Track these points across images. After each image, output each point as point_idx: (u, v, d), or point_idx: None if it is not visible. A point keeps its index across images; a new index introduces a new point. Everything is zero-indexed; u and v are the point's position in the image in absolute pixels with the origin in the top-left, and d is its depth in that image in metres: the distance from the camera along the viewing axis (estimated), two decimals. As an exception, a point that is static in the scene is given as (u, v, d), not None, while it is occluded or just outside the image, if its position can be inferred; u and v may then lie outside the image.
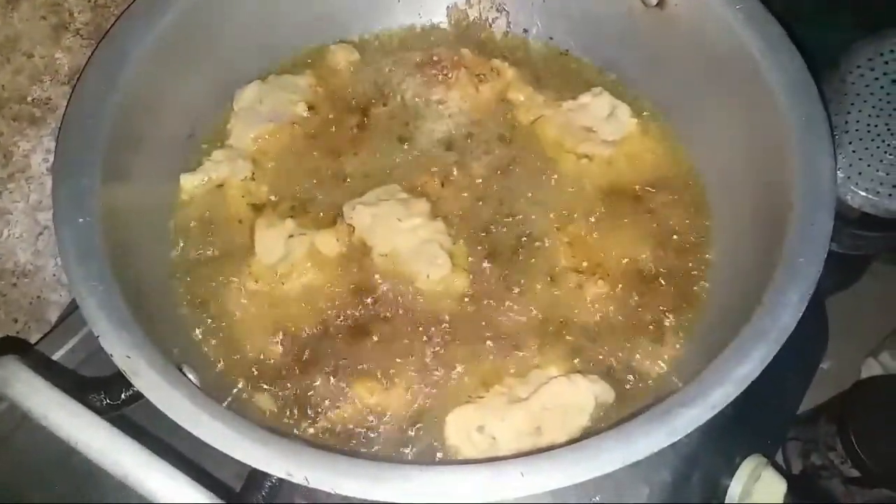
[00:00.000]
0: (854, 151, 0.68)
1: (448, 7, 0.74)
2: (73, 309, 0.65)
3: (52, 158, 0.62)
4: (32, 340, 0.67)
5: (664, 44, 0.66)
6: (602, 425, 0.52)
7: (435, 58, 0.70)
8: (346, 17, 0.72)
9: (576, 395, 0.51)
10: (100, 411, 0.45)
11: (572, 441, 0.46)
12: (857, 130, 0.68)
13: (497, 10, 0.73)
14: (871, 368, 0.87)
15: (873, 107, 0.68)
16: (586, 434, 0.52)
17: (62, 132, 0.55)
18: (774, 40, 0.58)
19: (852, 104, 0.68)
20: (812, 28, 0.64)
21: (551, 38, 0.73)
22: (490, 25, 0.74)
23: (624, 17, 0.67)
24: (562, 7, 0.71)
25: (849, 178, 0.67)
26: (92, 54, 0.58)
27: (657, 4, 0.64)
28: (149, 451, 0.42)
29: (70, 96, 0.57)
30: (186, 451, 0.48)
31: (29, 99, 0.60)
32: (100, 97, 0.56)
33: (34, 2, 0.57)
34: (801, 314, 0.48)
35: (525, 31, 0.73)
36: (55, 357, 0.61)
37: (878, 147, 0.67)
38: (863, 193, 0.67)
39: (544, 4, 0.71)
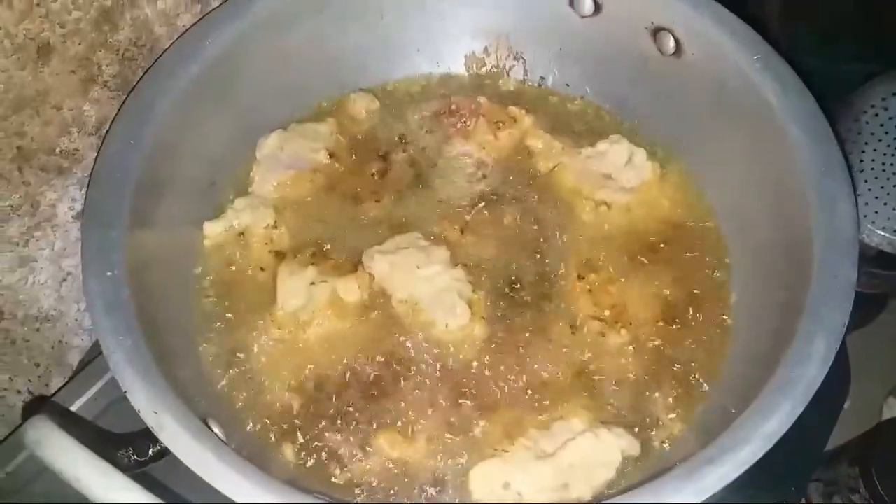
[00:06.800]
0: (870, 190, 0.67)
1: (466, 56, 0.75)
2: (94, 355, 0.66)
3: (77, 207, 0.63)
4: (53, 385, 0.67)
5: (680, 90, 0.66)
6: (627, 478, 0.52)
7: (453, 106, 0.71)
8: (366, 67, 0.73)
9: (603, 451, 0.51)
10: (127, 468, 0.45)
11: (598, 496, 0.46)
12: (872, 169, 0.68)
13: (514, 58, 0.74)
14: (892, 408, 0.85)
15: (888, 146, 0.68)
16: (611, 487, 0.52)
17: (91, 186, 0.56)
18: (790, 86, 0.59)
19: (867, 143, 0.68)
20: (816, 60, 0.65)
21: (567, 85, 0.73)
22: (507, 73, 0.75)
23: (641, 65, 0.67)
24: (578, 55, 0.71)
25: (865, 216, 0.67)
26: (120, 108, 0.59)
27: (674, 53, 0.65)
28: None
29: (99, 149, 0.58)
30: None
31: (57, 150, 0.61)
32: (127, 150, 0.57)
33: (64, 56, 0.58)
34: (828, 367, 0.48)
35: (542, 78, 0.74)
36: (77, 404, 0.61)
37: (894, 186, 0.67)
38: (880, 232, 0.67)
39: (560, 52, 0.72)
